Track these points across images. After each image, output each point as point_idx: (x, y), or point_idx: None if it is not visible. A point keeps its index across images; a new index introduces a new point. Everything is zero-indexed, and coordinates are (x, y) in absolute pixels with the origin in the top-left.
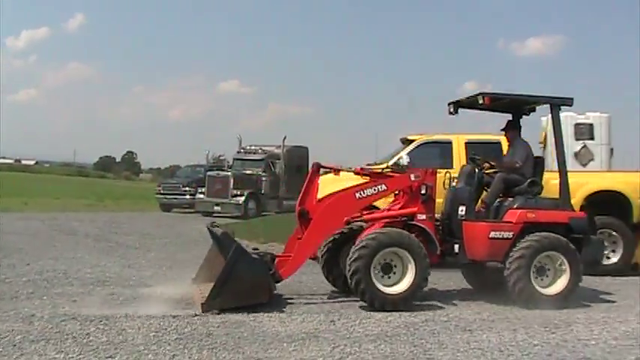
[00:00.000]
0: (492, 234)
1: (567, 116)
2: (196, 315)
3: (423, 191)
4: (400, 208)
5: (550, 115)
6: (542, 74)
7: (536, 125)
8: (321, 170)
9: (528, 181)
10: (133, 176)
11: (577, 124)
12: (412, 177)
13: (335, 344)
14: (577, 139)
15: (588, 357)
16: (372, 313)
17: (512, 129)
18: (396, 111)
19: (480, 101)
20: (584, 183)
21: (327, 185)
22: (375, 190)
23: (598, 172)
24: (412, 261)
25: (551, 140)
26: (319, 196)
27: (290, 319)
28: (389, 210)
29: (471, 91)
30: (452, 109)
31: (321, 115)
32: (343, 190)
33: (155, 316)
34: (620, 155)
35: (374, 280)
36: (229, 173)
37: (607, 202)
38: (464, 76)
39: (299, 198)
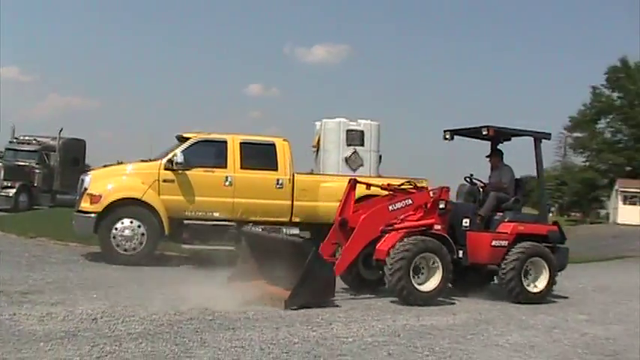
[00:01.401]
0: (494, 242)
1: (340, 122)
2: None
3: (441, 206)
4: (417, 220)
5: (534, 147)
6: (327, 81)
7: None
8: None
9: (513, 199)
10: None
11: (349, 131)
12: (431, 194)
13: (94, 343)
14: (348, 145)
15: (344, 354)
16: (135, 310)
17: (497, 155)
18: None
19: (485, 132)
20: None
21: (99, 180)
22: (403, 204)
23: (367, 177)
24: (440, 264)
25: (323, 146)
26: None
27: (49, 318)
28: (408, 221)
29: (257, 93)
30: (448, 136)
31: (108, 110)
32: (378, 204)
33: None
34: (388, 161)
35: (412, 279)
36: (0, 164)
37: None
38: (249, 78)
39: (339, 209)
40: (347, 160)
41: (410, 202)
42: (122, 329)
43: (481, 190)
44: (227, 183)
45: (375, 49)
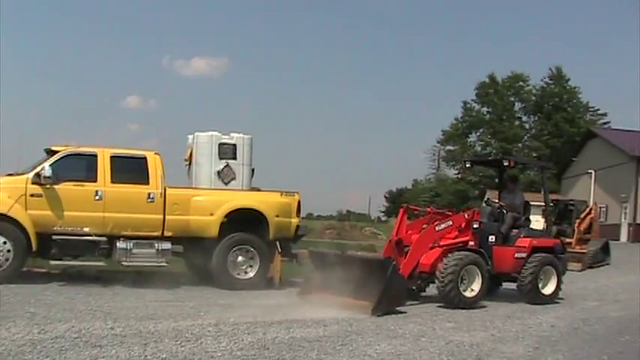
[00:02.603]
0: (516, 255)
1: (212, 136)
2: None
3: (475, 225)
4: (454, 238)
5: (541, 176)
6: (207, 94)
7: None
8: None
9: (523, 218)
10: None
11: (221, 144)
12: (466, 216)
13: None
14: (221, 158)
15: None
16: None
17: (513, 181)
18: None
19: (506, 164)
20: (225, 201)
21: None
22: (446, 224)
23: (239, 191)
24: (480, 275)
25: (196, 159)
26: None
27: None
28: (446, 239)
29: (135, 105)
30: (468, 165)
31: None
32: (419, 225)
33: None
34: (261, 175)
35: (459, 287)
36: None
37: (246, 220)
38: (126, 90)
39: (395, 230)
40: (219, 173)
41: (450, 223)
42: None
43: (498, 210)
44: (97, 197)
45: (253, 62)
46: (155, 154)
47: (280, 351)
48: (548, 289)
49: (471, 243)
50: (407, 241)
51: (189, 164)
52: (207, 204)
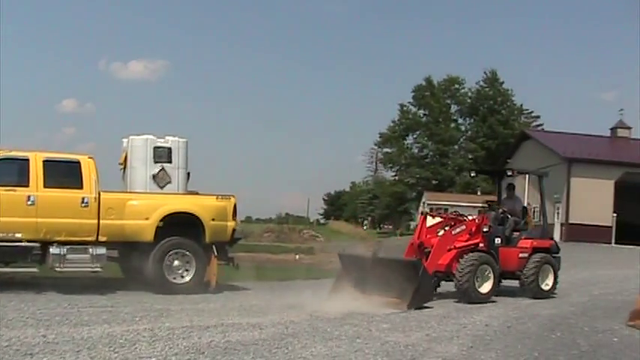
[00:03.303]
0: (520, 255)
1: (147, 139)
2: None
3: (485, 229)
4: (466, 241)
5: (538, 183)
6: (145, 97)
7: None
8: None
9: (522, 222)
10: None
11: (156, 147)
12: (477, 221)
13: None
14: (156, 162)
15: None
16: None
17: (513, 189)
18: None
19: (510, 173)
20: (161, 204)
21: None
22: (460, 229)
23: (175, 195)
24: (492, 273)
25: (131, 163)
26: None
27: None
28: (458, 242)
29: (71, 108)
30: (473, 174)
31: None
32: (446, 230)
33: None
34: (199, 179)
35: (475, 284)
36: None
37: (182, 224)
38: (62, 94)
39: (416, 234)
40: (154, 177)
41: (464, 227)
42: None
43: (502, 215)
44: (29, 202)
45: (191, 65)
46: (89, 158)
47: (215, 355)
48: (547, 285)
49: (481, 245)
50: (427, 244)
51: (124, 168)
52: (143, 208)
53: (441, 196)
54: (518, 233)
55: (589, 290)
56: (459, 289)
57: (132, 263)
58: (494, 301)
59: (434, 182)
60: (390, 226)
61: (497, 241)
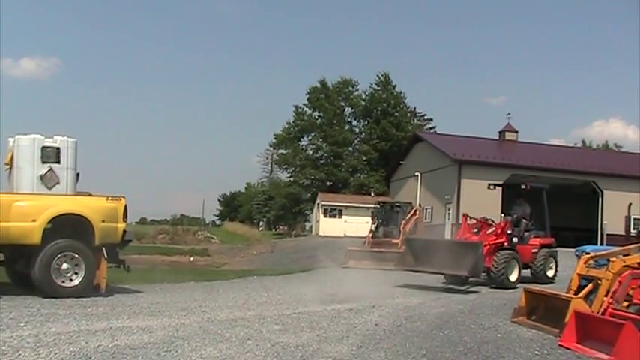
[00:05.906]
0: (532, 250)
1: (35, 139)
2: None
3: (509, 231)
4: (495, 240)
5: (540, 196)
6: (37, 96)
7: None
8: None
9: (530, 223)
10: None
11: (44, 148)
12: (502, 224)
13: None
14: (44, 162)
15: None
16: None
17: (521, 197)
18: None
19: (523, 187)
20: (49, 206)
21: None
22: (492, 230)
23: (63, 196)
24: (517, 266)
25: (17, 164)
26: None
27: None
28: (488, 239)
29: None
30: (492, 187)
31: None
32: (482, 231)
33: None
34: (91, 180)
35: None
36: None
37: (71, 226)
38: None
39: (462, 231)
40: (42, 178)
41: (494, 228)
42: None
43: (517, 219)
44: None
45: (85, 64)
46: None
47: (103, 359)
48: (551, 273)
49: (505, 243)
50: (469, 240)
51: (10, 169)
52: (30, 210)
53: (335, 197)
54: (528, 233)
55: (477, 287)
56: (494, 278)
57: (19, 266)
58: (516, 287)
59: (328, 183)
60: (285, 228)
61: (515, 239)
